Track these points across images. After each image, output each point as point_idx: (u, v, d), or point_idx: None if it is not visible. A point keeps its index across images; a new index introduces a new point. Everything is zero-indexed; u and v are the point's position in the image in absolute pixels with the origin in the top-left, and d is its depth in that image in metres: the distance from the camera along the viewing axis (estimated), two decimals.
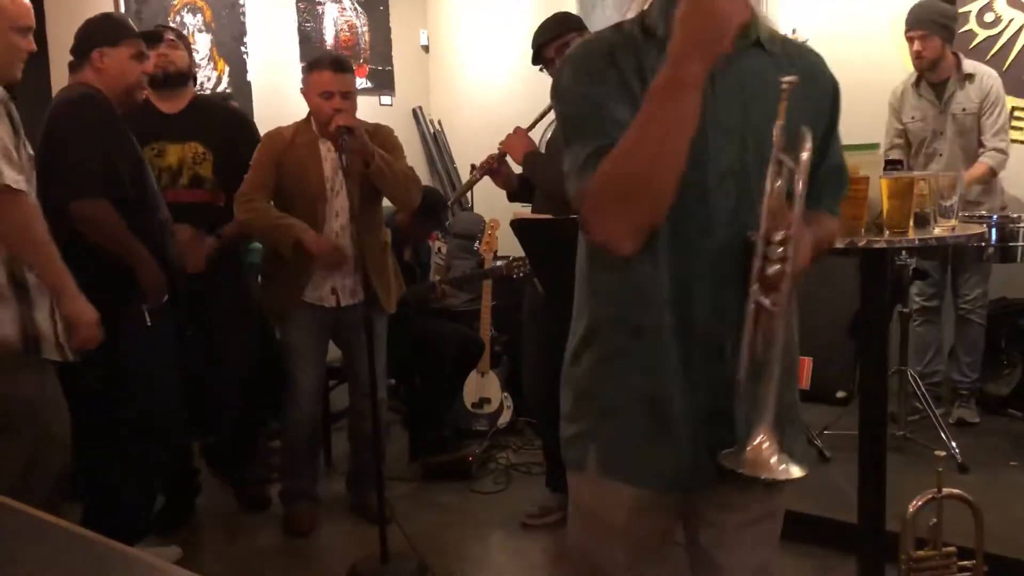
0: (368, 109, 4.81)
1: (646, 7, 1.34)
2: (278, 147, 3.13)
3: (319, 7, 5.29)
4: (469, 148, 5.47)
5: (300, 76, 3.33)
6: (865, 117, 3.97)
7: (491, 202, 4.67)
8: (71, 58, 2.80)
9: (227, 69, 4.74)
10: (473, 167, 3.41)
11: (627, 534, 1.38)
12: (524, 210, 3.26)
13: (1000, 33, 4.08)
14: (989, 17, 4.07)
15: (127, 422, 2.74)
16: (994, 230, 3.36)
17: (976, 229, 2.69)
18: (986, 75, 3.80)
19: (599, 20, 4.86)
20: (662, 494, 1.36)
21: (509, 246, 3.55)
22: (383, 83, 5.64)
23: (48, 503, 2.32)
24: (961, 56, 3.85)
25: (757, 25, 1.30)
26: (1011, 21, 4.05)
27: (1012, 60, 4.04)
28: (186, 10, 4.60)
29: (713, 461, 1.28)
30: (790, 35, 4.49)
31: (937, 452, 2.22)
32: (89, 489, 2.86)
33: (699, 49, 1.15)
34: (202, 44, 4.64)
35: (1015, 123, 3.96)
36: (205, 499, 3.46)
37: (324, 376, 3.49)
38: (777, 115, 1.22)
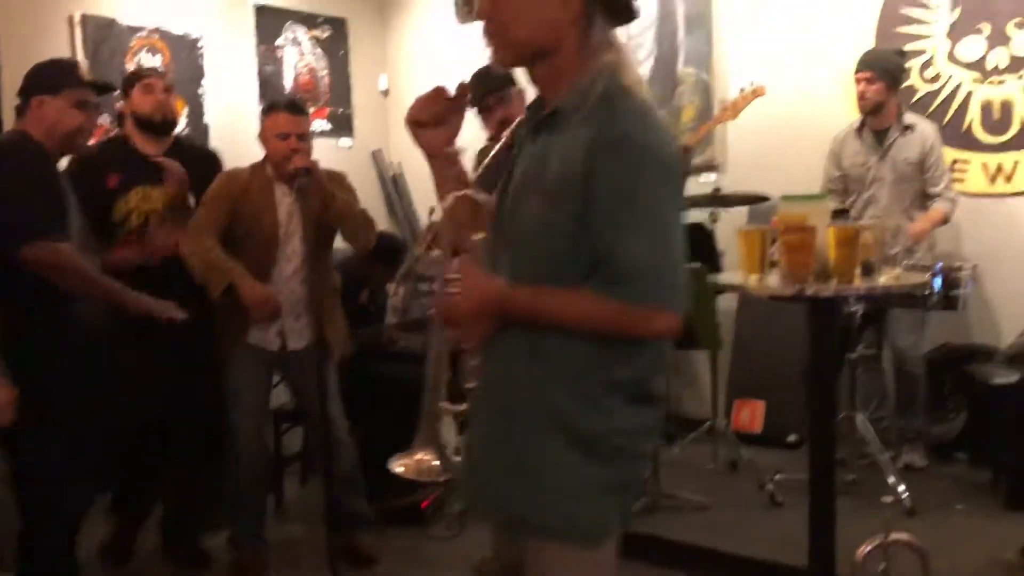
0: (327, 152, 4.82)
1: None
2: (234, 188, 3.13)
3: (279, 50, 5.32)
4: (429, 192, 5.45)
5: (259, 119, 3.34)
6: (813, 170, 4.11)
7: None
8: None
9: (185, 110, 4.74)
10: (432, 210, 3.42)
11: None
12: None
13: (940, 89, 4.24)
14: (930, 73, 4.23)
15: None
16: (938, 278, 3.47)
17: (921, 278, 2.77)
18: (926, 127, 3.95)
19: None
20: None
21: None
22: (343, 126, 5.67)
23: None
24: (903, 107, 4.00)
25: (564, 98, 1.41)
26: (950, 78, 4.22)
27: (951, 115, 4.19)
28: (144, 50, 4.60)
29: None
30: (741, 91, 4.55)
31: (884, 498, 2.26)
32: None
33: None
34: None
35: (954, 175, 4.10)
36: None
37: (265, 419, 3.43)
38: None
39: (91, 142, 3.05)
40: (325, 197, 3.03)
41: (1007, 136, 4.12)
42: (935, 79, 4.24)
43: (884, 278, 2.47)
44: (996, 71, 4.12)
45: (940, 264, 3.56)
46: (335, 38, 5.62)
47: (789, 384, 4.28)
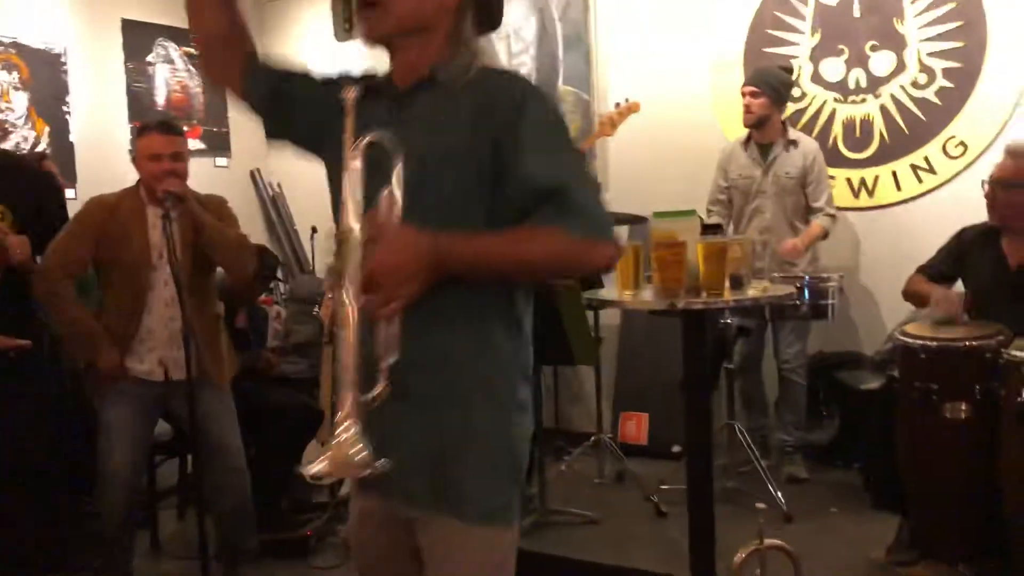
0: (203, 171, 4.67)
1: None
2: (99, 217, 3.02)
3: (149, 67, 5.13)
4: (310, 211, 5.41)
5: (128, 137, 3.22)
6: (682, 183, 4.22)
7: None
8: None
9: (47, 129, 4.51)
10: (315, 230, 3.36)
11: None
12: None
13: (806, 108, 4.43)
14: (795, 93, 4.41)
15: None
16: (807, 289, 3.61)
17: (788, 289, 2.87)
18: (809, 144, 4.12)
19: None
20: None
21: None
22: (218, 144, 5.51)
23: None
24: (788, 124, 4.16)
25: (441, 68, 1.42)
26: (815, 97, 4.42)
27: (817, 133, 4.39)
28: None
29: None
30: (617, 106, 4.63)
31: (758, 505, 2.32)
32: None
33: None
34: (18, 103, 4.40)
35: None
36: None
37: (142, 455, 3.27)
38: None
39: None
40: (197, 224, 2.93)
41: (868, 152, 4.33)
42: (801, 98, 4.43)
43: (753, 290, 2.54)
44: (856, 90, 4.34)
45: (808, 276, 3.71)
46: None
47: (671, 396, 4.36)
